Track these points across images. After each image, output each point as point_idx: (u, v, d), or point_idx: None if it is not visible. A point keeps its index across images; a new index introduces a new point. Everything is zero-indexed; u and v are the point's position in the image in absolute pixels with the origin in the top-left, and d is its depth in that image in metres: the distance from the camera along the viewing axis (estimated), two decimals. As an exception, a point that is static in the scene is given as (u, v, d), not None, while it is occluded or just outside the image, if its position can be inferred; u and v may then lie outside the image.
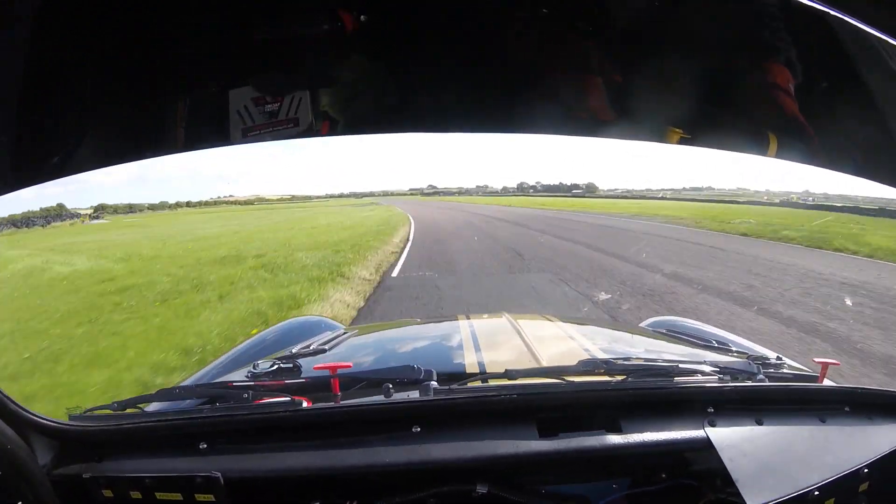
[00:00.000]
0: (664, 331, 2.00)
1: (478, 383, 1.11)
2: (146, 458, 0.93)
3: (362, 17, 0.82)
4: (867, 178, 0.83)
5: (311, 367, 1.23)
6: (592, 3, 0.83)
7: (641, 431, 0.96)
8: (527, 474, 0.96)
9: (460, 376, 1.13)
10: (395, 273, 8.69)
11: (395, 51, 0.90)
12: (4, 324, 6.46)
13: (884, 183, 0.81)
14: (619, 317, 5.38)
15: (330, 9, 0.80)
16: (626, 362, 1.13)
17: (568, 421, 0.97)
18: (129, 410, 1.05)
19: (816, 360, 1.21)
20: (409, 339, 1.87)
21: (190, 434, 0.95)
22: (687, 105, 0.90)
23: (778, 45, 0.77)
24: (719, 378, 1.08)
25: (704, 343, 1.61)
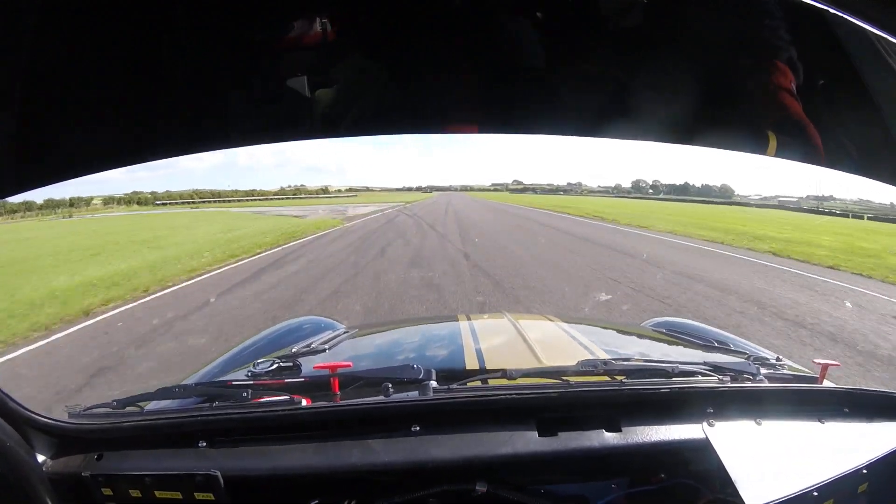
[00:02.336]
0: (664, 331, 1.99)
1: (477, 383, 1.11)
2: (145, 456, 0.93)
3: (362, 16, 0.82)
4: (867, 176, 0.83)
5: (310, 366, 1.23)
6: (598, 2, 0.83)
7: (641, 431, 0.96)
8: (526, 474, 0.96)
9: (460, 376, 1.13)
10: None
11: (395, 50, 0.90)
12: None
13: (884, 181, 0.81)
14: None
15: (329, 9, 0.80)
16: (625, 362, 1.13)
17: (567, 421, 0.96)
18: (128, 409, 1.05)
19: (816, 361, 1.20)
20: (409, 339, 1.86)
21: (189, 432, 0.95)
22: (686, 104, 0.90)
23: (777, 42, 0.77)
24: (719, 378, 1.08)
25: (704, 343, 1.60)
